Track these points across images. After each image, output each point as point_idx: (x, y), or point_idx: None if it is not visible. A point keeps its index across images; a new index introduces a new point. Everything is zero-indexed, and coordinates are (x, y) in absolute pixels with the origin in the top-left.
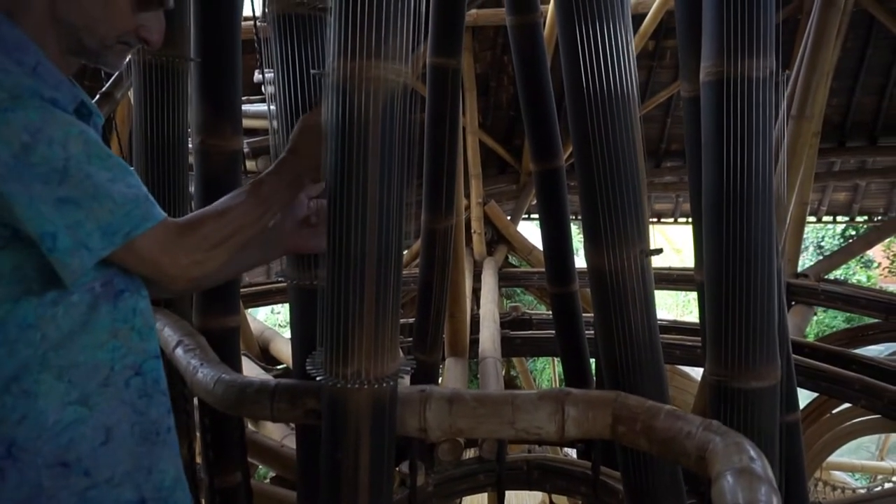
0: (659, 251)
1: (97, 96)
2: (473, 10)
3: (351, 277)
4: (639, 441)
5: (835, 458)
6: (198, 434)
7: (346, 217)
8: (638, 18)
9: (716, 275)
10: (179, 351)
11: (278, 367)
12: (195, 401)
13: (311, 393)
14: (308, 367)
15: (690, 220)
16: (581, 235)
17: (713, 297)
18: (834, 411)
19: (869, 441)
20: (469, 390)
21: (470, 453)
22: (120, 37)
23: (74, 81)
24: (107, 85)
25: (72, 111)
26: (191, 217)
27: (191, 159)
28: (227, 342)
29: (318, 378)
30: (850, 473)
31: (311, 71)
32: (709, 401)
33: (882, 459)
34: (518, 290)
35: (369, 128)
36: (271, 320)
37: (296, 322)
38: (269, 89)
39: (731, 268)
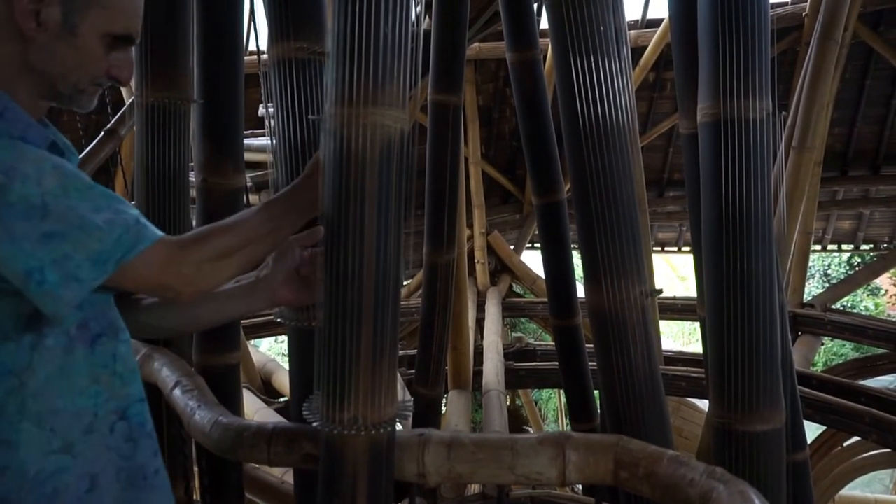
0: (659, 292)
1: (101, 133)
2: (476, 45)
3: (347, 322)
4: (641, 487)
5: (847, 491)
6: (195, 474)
7: (342, 262)
8: (638, 51)
9: (716, 318)
10: (177, 392)
11: (280, 399)
12: (192, 441)
13: (308, 437)
14: (305, 413)
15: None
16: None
17: (715, 339)
18: (845, 444)
19: (883, 474)
20: (468, 434)
21: (473, 489)
22: (93, 79)
23: (47, 122)
24: (112, 121)
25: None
26: (199, 230)
27: (193, 194)
28: (227, 379)
29: (314, 424)
30: None
31: (309, 116)
32: (712, 444)
33: None
34: (522, 319)
35: (366, 173)
36: (275, 349)
37: (294, 362)
38: (271, 123)
39: (731, 312)
